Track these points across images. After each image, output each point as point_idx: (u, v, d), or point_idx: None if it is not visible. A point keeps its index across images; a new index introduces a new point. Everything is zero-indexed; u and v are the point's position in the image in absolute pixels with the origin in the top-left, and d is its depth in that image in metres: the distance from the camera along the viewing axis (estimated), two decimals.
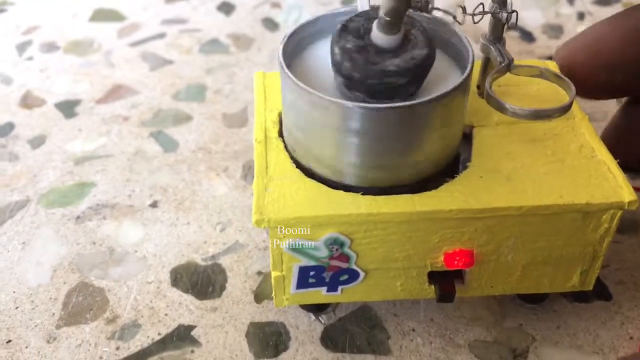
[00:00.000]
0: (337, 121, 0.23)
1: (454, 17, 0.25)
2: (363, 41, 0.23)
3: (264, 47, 0.48)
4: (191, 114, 0.42)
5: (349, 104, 0.23)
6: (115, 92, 0.43)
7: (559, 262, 0.26)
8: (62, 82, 0.45)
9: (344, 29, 0.24)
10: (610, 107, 0.40)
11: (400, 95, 0.23)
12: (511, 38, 0.48)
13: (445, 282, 0.26)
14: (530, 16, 0.51)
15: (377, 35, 0.23)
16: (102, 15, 0.52)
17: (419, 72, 0.23)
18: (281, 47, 0.25)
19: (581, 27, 0.50)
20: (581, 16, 0.51)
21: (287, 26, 0.50)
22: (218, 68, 0.46)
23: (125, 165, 0.38)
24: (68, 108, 0.42)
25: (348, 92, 0.24)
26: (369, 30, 0.23)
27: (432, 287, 0.27)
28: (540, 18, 0.51)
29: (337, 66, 0.23)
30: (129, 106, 0.42)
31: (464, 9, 0.25)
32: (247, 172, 0.37)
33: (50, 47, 0.48)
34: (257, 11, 0.53)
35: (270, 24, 0.51)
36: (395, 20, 0.22)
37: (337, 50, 0.23)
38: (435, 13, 0.25)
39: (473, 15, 0.25)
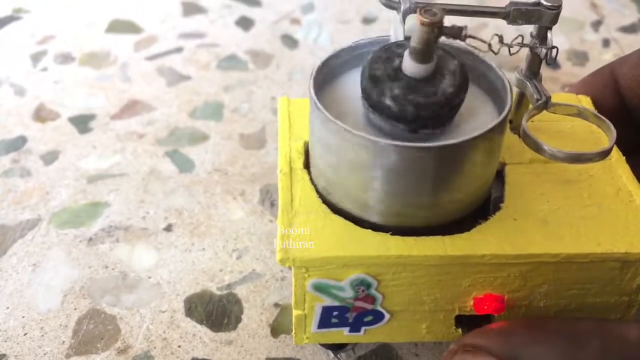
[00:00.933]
0: (368, 158, 0.22)
1: (489, 46, 0.24)
2: (394, 71, 0.22)
3: (282, 64, 0.47)
4: (208, 133, 0.41)
5: (381, 141, 0.22)
6: (131, 108, 0.43)
7: (593, 309, 0.25)
8: (76, 95, 0.44)
9: (376, 58, 0.23)
10: None
11: (433, 124, 0.22)
12: None
13: (473, 327, 0.25)
14: (554, 42, 0.50)
15: (409, 65, 0.22)
16: (118, 27, 0.51)
17: (450, 103, 0.22)
18: (312, 78, 0.24)
19: (606, 55, 0.49)
20: (606, 43, 0.50)
21: (307, 44, 0.50)
22: (236, 85, 0.45)
23: (140, 185, 0.37)
24: (82, 123, 0.41)
25: (379, 120, 0.23)
26: (401, 60, 0.22)
27: (459, 330, 0.26)
28: (565, 44, 0.50)
29: (367, 96, 0.23)
30: (145, 123, 0.41)
31: (500, 38, 0.24)
32: (265, 196, 0.36)
33: (66, 58, 0.47)
34: (276, 27, 0.52)
35: (290, 41, 0.50)
36: (427, 49, 0.22)
37: (367, 79, 0.22)
38: (469, 41, 0.24)
39: (510, 46, 0.25)
